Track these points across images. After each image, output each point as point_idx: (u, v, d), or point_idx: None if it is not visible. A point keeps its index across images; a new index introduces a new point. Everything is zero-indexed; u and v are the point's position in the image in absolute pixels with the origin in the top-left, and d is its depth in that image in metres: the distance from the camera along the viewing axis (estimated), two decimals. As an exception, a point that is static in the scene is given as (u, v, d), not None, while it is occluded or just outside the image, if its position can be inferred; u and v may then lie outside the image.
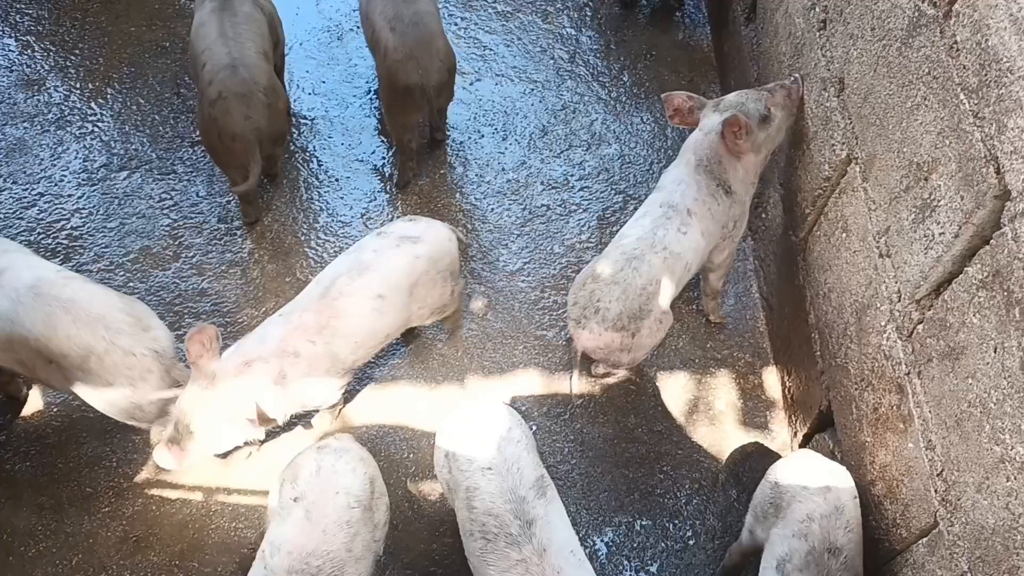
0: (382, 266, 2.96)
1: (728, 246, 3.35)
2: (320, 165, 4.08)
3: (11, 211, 3.86)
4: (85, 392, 2.93)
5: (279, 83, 3.56)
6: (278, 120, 3.53)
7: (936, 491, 2.29)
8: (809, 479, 2.64)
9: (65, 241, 3.79)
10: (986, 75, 2.05)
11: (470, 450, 2.68)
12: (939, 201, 2.27)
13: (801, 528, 2.56)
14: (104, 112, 4.20)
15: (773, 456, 3.39)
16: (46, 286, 2.84)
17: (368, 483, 2.67)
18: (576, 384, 3.44)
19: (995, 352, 2.01)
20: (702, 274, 3.51)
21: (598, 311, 3.07)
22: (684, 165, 3.20)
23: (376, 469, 2.77)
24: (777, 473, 2.76)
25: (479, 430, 2.71)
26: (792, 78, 3.22)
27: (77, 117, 4.17)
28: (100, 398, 2.93)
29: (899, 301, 2.49)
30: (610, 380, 3.55)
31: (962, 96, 2.16)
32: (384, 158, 4.12)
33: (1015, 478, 1.93)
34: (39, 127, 4.13)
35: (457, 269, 3.22)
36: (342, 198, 4.00)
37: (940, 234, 2.27)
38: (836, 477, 2.64)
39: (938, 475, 2.28)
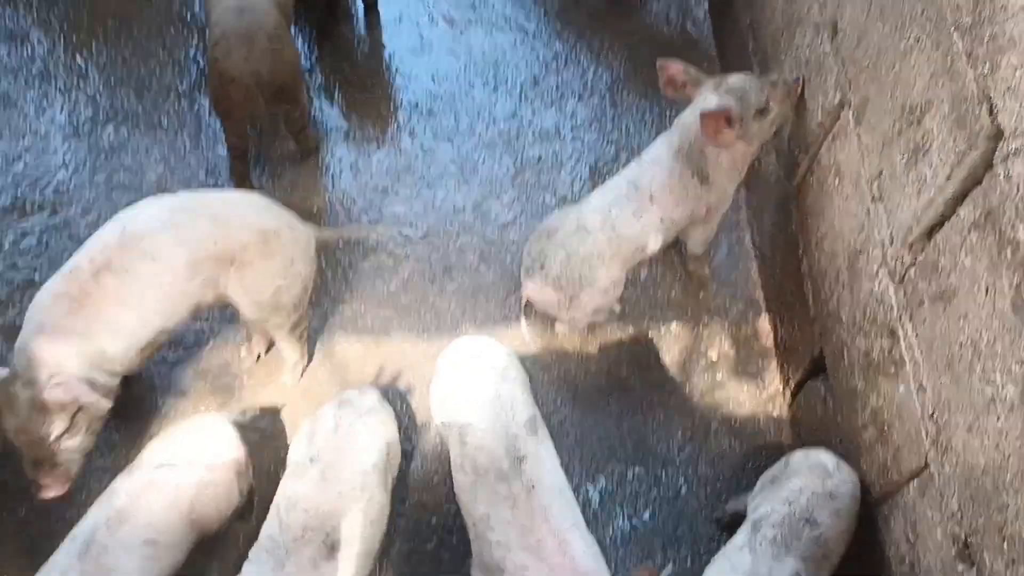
0: (140, 510, 2.56)
1: (703, 227, 3.34)
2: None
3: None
4: (263, 283, 2.91)
5: (288, 33, 3.50)
6: (281, 68, 3.42)
7: (927, 433, 2.29)
8: (817, 466, 2.64)
9: (52, 195, 3.75)
10: (980, 13, 2.02)
11: (466, 386, 2.70)
12: (931, 143, 2.26)
13: (789, 496, 2.57)
14: (89, 65, 4.14)
15: (766, 404, 3.42)
16: (187, 200, 2.87)
17: (384, 447, 2.68)
18: (527, 330, 3.47)
19: (986, 293, 2.01)
20: (683, 240, 3.51)
21: (543, 267, 3.14)
22: (667, 145, 3.13)
23: (394, 430, 2.78)
24: (790, 458, 2.77)
25: (475, 367, 2.73)
26: (795, 77, 3.08)
27: (62, 71, 4.11)
28: (277, 282, 2.93)
29: (891, 245, 2.48)
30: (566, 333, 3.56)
31: (955, 36, 2.13)
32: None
33: (1005, 418, 1.93)
34: (23, 81, 4.07)
35: (244, 464, 2.81)
36: (331, 151, 3.96)
37: (932, 177, 2.25)
38: (844, 475, 2.63)
39: (929, 417, 2.28)
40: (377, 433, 2.67)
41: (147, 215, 2.79)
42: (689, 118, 3.05)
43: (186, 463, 2.65)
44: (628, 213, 3.10)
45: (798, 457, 2.74)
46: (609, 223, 3.09)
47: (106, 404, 2.72)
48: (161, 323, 2.83)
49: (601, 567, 2.50)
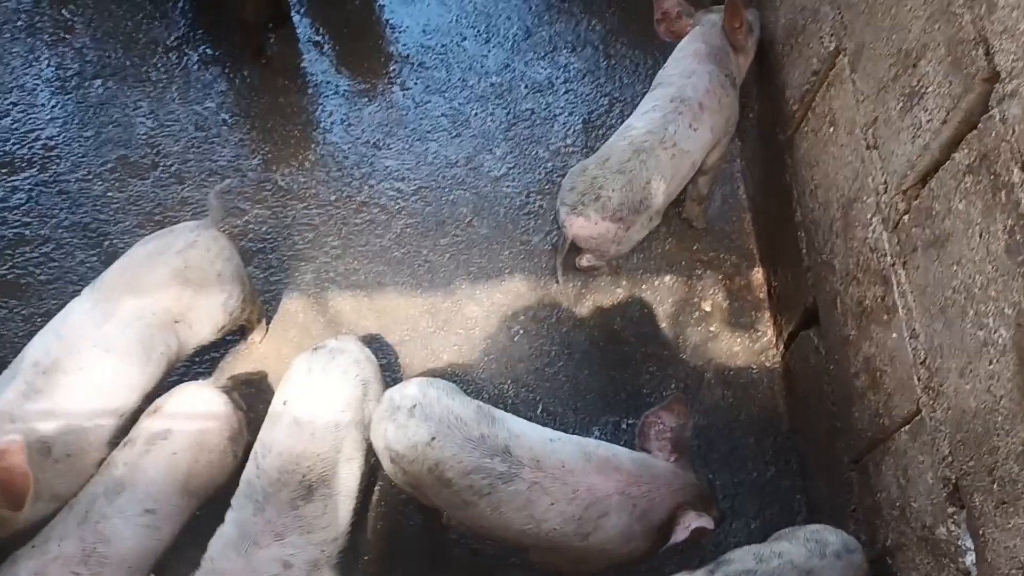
0: (138, 480, 2.57)
1: (723, 144, 3.35)
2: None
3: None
4: (211, 314, 2.90)
5: None
6: None
7: (919, 379, 2.30)
8: (814, 541, 2.43)
9: (41, 151, 3.71)
10: (978, -47, 2.00)
11: (406, 433, 2.50)
12: (927, 88, 2.24)
13: (765, 554, 2.39)
14: (76, 19, 4.07)
15: (759, 355, 3.43)
16: (98, 289, 2.76)
17: (360, 386, 2.67)
18: (561, 273, 3.39)
19: (980, 237, 2.00)
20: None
21: (598, 198, 3.01)
22: (692, 56, 3.20)
23: (373, 371, 2.77)
24: (806, 525, 2.59)
25: (403, 407, 2.55)
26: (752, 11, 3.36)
27: (48, 24, 4.05)
28: (220, 300, 2.91)
29: (885, 192, 2.47)
30: (592, 271, 3.52)
31: (953, -23, 2.11)
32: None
33: (997, 361, 1.94)
34: (9, 35, 4.01)
35: (238, 428, 2.80)
36: (321, 105, 3.92)
37: (928, 121, 2.24)
38: (832, 567, 2.39)
39: (921, 363, 2.29)
40: (350, 373, 2.66)
41: (76, 316, 2.71)
42: (707, 27, 3.26)
43: (180, 433, 2.65)
44: (685, 126, 3.09)
45: (812, 526, 2.53)
46: (669, 140, 3.06)
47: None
48: (112, 418, 2.70)
49: (632, 455, 2.61)
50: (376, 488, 3.13)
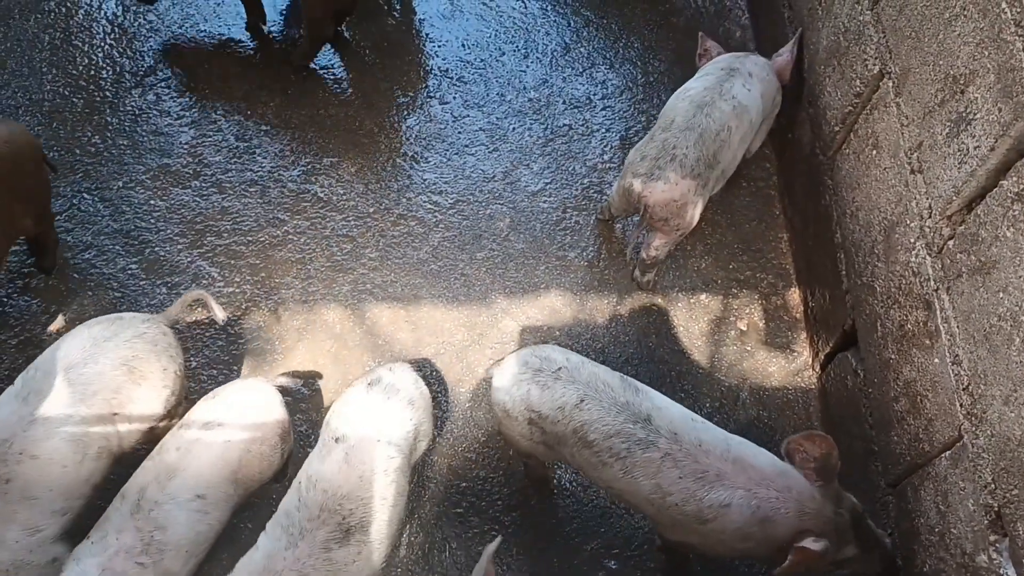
0: (190, 465, 2.60)
1: (764, 129, 3.50)
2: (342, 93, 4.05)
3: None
4: (152, 405, 2.79)
5: None
6: None
7: (961, 405, 2.29)
8: None
9: (84, 157, 3.77)
10: (1031, -19, 2.00)
11: (552, 395, 2.59)
12: (975, 114, 2.23)
13: None
14: (117, 28, 4.14)
15: (794, 375, 3.42)
16: (33, 378, 2.66)
17: (412, 430, 2.67)
18: (639, 273, 3.48)
19: (1029, 265, 2.00)
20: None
21: (675, 158, 3.07)
22: (733, 53, 3.49)
23: (425, 410, 2.77)
24: None
25: (546, 370, 2.61)
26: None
27: (92, 31, 4.12)
28: (163, 395, 2.81)
29: (930, 217, 2.46)
30: (652, 268, 3.48)
31: (1004, 4, 2.10)
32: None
33: (1045, 390, 1.93)
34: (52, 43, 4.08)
35: (287, 427, 2.84)
36: (361, 117, 3.96)
37: (975, 148, 2.23)
38: None
39: (964, 389, 2.28)
40: (405, 416, 2.65)
41: (4, 413, 2.60)
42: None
43: (235, 422, 2.67)
44: (739, 85, 3.24)
45: None
46: (728, 94, 3.19)
47: None
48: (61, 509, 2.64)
49: (775, 461, 2.53)
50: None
